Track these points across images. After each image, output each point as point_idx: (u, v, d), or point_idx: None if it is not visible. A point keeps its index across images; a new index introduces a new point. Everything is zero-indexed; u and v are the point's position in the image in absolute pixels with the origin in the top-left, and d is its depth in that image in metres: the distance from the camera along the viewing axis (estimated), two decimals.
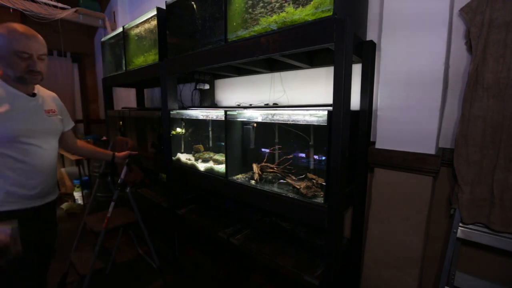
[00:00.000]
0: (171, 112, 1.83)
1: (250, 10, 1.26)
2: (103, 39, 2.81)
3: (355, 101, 1.26)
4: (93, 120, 4.32)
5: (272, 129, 1.53)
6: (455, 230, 1.06)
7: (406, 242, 1.14)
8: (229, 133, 1.64)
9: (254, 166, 1.40)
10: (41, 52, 1.08)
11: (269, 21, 1.18)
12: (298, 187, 1.19)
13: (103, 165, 2.11)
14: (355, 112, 1.23)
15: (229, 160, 1.46)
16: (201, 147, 1.98)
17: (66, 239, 2.63)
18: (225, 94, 2.16)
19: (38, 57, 1.07)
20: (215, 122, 1.92)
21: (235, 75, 1.89)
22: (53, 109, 1.25)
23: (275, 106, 1.69)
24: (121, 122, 2.55)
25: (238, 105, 1.86)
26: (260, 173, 1.36)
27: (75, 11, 3.00)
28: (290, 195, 1.17)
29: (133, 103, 3.17)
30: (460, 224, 1.05)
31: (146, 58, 2.05)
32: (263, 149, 1.51)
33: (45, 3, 2.77)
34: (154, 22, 1.91)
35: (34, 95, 1.17)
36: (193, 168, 1.73)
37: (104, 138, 3.66)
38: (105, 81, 2.70)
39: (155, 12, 1.88)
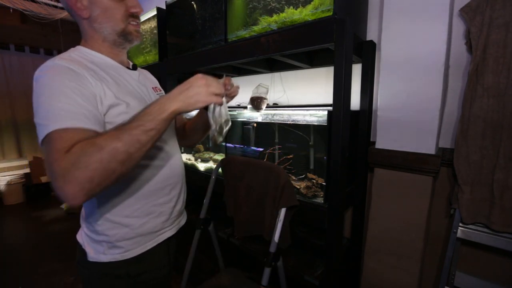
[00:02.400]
0: None
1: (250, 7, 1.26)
2: None
3: (355, 101, 1.26)
4: None
5: (272, 129, 1.53)
6: (455, 230, 1.06)
7: (406, 242, 1.14)
8: (229, 133, 1.64)
9: None
10: None
11: (269, 21, 1.18)
12: (298, 187, 1.19)
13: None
14: (355, 112, 1.23)
15: None
16: (201, 147, 1.98)
17: (67, 239, 2.63)
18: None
19: None
20: None
21: (235, 75, 1.90)
22: (158, 86, 0.90)
23: (275, 106, 1.69)
24: None
25: (238, 105, 1.85)
26: None
27: None
28: None
29: None
30: (460, 224, 1.05)
31: (146, 58, 2.05)
32: (253, 148, 1.50)
33: (45, 3, 2.77)
34: (154, 22, 1.91)
35: (134, 67, 0.81)
36: (193, 168, 1.73)
37: None
38: None
39: (155, 12, 1.88)
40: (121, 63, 0.76)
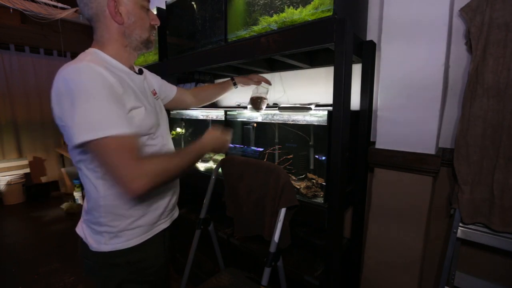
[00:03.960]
0: (171, 112, 1.82)
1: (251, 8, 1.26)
2: None
3: (355, 101, 1.26)
4: None
5: (272, 129, 1.53)
6: (455, 230, 1.06)
7: (406, 242, 1.14)
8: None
9: None
10: None
11: (269, 21, 1.18)
12: (298, 187, 1.19)
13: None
14: (355, 112, 1.23)
15: None
16: None
17: (67, 239, 2.63)
18: (225, 94, 2.16)
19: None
20: (215, 122, 1.92)
21: (235, 75, 1.89)
22: (155, 89, 0.97)
23: (275, 106, 1.69)
24: None
25: (238, 105, 1.85)
26: None
27: (75, 11, 3.00)
28: None
29: None
30: (460, 224, 1.05)
31: (146, 58, 2.05)
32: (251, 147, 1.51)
33: (45, 3, 2.77)
34: None
35: (140, 71, 0.89)
36: (193, 168, 1.73)
37: None
38: None
39: (155, 12, 1.87)
40: (130, 68, 0.83)
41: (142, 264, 0.82)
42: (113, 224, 0.76)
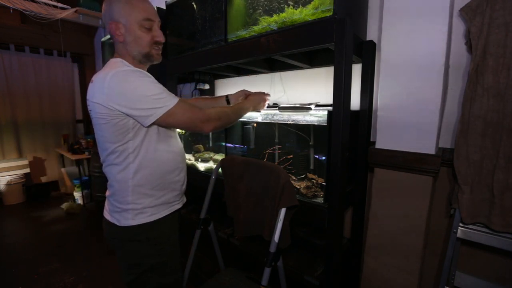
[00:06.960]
0: None
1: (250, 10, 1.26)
2: (103, 39, 2.81)
3: (355, 101, 1.26)
4: None
5: (272, 129, 1.53)
6: (455, 230, 1.06)
7: (406, 242, 1.14)
8: (229, 133, 1.64)
9: None
10: (158, 18, 0.96)
11: (269, 21, 1.18)
12: (298, 187, 1.19)
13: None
14: (355, 112, 1.23)
15: None
16: (201, 147, 1.98)
17: (67, 239, 2.63)
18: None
19: (158, 24, 0.96)
20: None
21: (235, 75, 1.90)
22: None
23: (275, 106, 1.69)
24: None
25: None
26: None
27: (75, 11, 3.00)
28: None
29: None
30: (460, 224, 1.05)
31: None
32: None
33: (45, 3, 2.77)
34: None
35: None
36: (193, 168, 1.73)
37: None
38: None
39: None
40: None
41: (158, 239, 0.96)
42: (139, 201, 0.91)
